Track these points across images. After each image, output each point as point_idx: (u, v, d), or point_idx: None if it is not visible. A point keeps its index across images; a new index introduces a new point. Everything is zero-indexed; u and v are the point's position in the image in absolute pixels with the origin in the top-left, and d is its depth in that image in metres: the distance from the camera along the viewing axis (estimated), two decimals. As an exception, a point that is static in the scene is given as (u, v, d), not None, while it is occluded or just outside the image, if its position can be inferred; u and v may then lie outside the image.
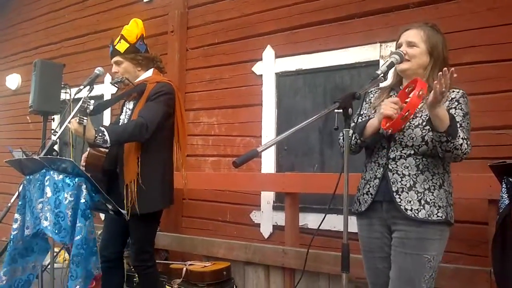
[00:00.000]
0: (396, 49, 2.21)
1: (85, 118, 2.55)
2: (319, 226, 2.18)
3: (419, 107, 2.05)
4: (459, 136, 1.95)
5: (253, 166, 4.21)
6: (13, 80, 6.96)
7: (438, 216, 2.02)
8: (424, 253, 2.02)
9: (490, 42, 3.17)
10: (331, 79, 3.97)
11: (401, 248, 2.06)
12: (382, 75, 2.04)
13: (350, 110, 1.89)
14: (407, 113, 1.93)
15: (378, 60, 3.62)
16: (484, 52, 3.18)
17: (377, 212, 2.14)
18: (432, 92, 1.85)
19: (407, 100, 2.04)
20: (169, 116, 2.97)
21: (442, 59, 2.15)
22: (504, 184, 2.30)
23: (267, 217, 4.15)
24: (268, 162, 4.20)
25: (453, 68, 1.86)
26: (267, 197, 4.17)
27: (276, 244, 3.89)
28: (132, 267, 3.73)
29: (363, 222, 2.21)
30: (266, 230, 4.14)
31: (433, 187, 2.05)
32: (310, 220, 3.82)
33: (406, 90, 2.08)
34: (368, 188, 2.16)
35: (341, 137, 2.22)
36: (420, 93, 1.90)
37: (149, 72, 3.10)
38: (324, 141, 3.96)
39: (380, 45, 3.63)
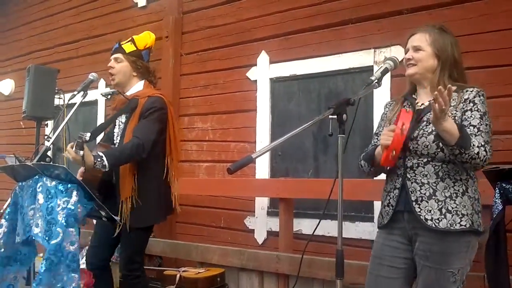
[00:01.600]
0: (405, 54, 2.19)
1: (81, 151, 2.56)
2: (313, 232, 2.18)
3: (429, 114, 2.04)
4: (474, 144, 1.88)
5: (247, 172, 4.21)
6: (6, 86, 6.92)
7: (461, 225, 1.94)
8: (448, 268, 1.96)
9: (482, 48, 3.19)
10: (325, 85, 3.98)
11: (424, 261, 2.01)
12: (376, 81, 2.05)
13: (344, 116, 1.90)
14: (393, 153, 1.90)
15: (372, 66, 3.63)
16: (476, 58, 3.20)
17: (399, 222, 2.09)
18: (432, 110, 1.82)
19: (424, 119, 2.03)
20: (162, 131, 2.99)
21: (452, 60, 2.11)
22: (498, 190, 2.31)
23: (261, 223, 4.14)
24: (262, 168, 4.20)
25: (450, 85, 1.82)
26: (261, 203, 4.16)
27: (270, 250, 3.88)
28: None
29: (383, 231, 2.16)
30: (260, 236, 4.14)
31: (455, 195, 1.97)
32: (305, 225, 3.82)
33: (407, 110, 2.05)
34: (389, 200, 2.12)
35: (360, 162, 2.24)
36: (403, 128, 1.86)
37: (140, 85, 3.09)
38: (319, 146, 3.96)
39: (374, 51, 3.64)
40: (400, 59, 2.24)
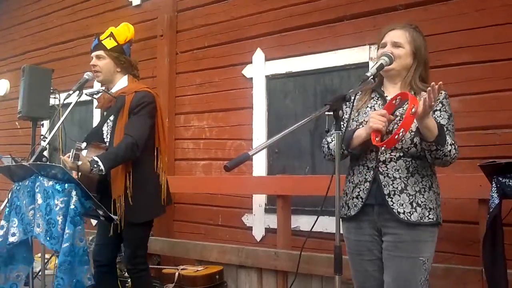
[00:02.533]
0: (378, 49, 2.20)
1: (78, 162, 2.57)
2: (311, 228, 2.17)
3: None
4: (447, 142, 1.96)
5: (245, 169, 4.21)
6: (1, 86, 6.86)
7: (429, 218, 2.02)
8: (419, 256, 2.02)
9: (478, 43, 3.20)
10: (321, 81, 3.98)
11: (396, 252, 2.04)
12: (371, 77, 2.05)
13: (340, 112, 1.89)
14: (401, 133, 1.91)
15: (368, 62, 3.64)
16: (472, 53, 3.21)
17: (367, 215, 2.11)
18: (421, 105, 1.86)
19: (397, 113, 2.03)
20: (153, 125, 2.98)
21: (424, 61, 2.16)
22: (494, 184, 2.32)
23: (259, 220, 4.14)
24: (259, 165, 4.20)
25: (441, 82, 1.86)
26: (259, 200, 4.16)
27: (268, 247, 3.89)
28: (124, 272, 3.71)
29: (351, 225, 2.17)
30: (258, 233, 4.14)
31: (423, 189, 2.05)
32: (302, 222, 3.82)
33: (394, 102, 2.04)
34: (358, 192, 2.12)
35: (325, 145, 2.21)
36: (413, 110, 1.88)
37: (125, 80, 3.05)
38: (315, 143, 3.96)
39: (369, 47, 3.64)
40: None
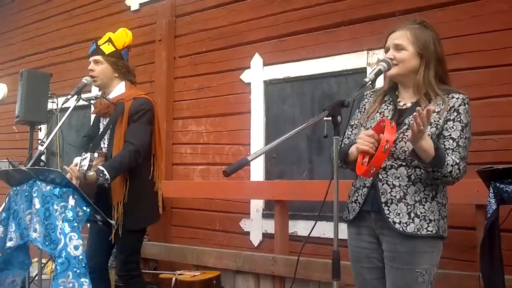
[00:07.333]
0: (385, 53, 2.12)
1: (90, 172, 2.61)
2: (309, 234, 2.18)
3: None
4: (448, 163, 1.87)
5: (242, 174, 4.21)
6: (-1, 90, 6.88)
7: (428, 231, 1.93)
8: (416, 268, 1.94)
9: (474, 49, 3.22)
10: (319, 87, 3.99)
11: (392, 263, 1.98)
12: (370, 82, 2.04)
13: (339, 118, 1.88)
14: (373, 169, 1.87)
15: (365, 68, 3.65)
16: (468, 59, 3.22)
17: (365, 221, 2.07)
18: (410, 130, 1.78)
19: (405, 121, 1.98)
20: (152, 132, 2.99)
21: (435, 57, 2.04)
22: (492, 189, 2.32)
23: (256, 225, 4.14)
24: (257, 170, 4.20)
25: (430, 106, 1.80)
26: (257, 205, 4.16)
27: (266, 252, 3.88)
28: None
29: (352, 231, 2.14)
30: (255, 238, 4.13)
31: (424, 199, 1.95)
32: (300, 227, 3.82)
33: (382, 124, 1.96)
34: (357, 197, 2.09)
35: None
36: (386, 146, 1.81)
37: (122, 87, 3.04)
38: (313, 148, 3.97)
39: (367, 53, 3.66)
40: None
